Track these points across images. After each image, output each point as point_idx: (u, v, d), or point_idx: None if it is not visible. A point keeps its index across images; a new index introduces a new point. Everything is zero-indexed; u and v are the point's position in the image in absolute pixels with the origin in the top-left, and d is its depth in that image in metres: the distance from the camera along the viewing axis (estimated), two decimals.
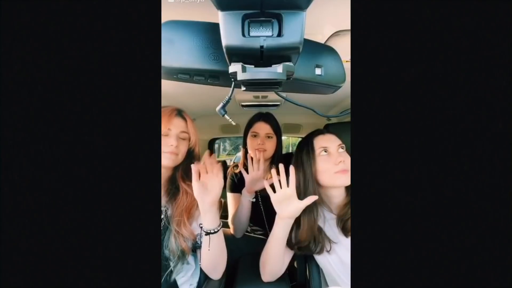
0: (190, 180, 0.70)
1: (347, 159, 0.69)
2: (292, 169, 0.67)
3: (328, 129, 0.79)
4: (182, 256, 0.70)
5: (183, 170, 0.75)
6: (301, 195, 0.70)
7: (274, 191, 0.68)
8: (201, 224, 0.67)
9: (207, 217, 0.65)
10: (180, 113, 0.74)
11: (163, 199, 0.75)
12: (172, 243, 0.69)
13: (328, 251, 0.73)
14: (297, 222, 0.72)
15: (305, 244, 0.73)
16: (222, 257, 0.71)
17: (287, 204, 0.66)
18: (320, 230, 0.73)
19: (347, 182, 0.68)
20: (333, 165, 0.68)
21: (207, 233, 0.65)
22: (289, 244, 0.74)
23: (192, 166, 0.64)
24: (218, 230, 0.66)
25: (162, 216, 0.72)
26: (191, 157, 0.76)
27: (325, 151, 0.71)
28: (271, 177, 0.69)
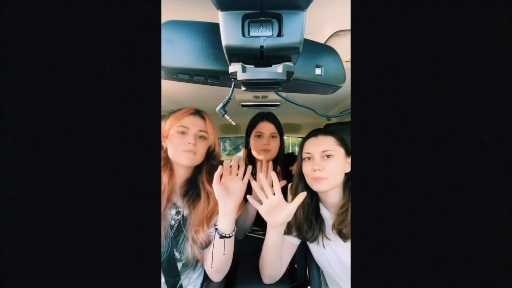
0: None
1: (329, 166, 0.69)
2: (274, 175, 0.67)
3: (325, 129, 0.79)
4: (195, 264, 0.70)
5: (207, 173, 0.74)
6: (296, 192, 0.75)
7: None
8: (217, 225, 0.66)
9: (225, 220, 0.64)
10: (198, 112, 0.73)
11: (180, 201, 0.73)
12: (188, 252, 0.68)
13: (323, 246, 0.75)
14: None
15: (302, 228, 0.76)
16: (229, 261, 0.70)
17: (277, 213, 0.66)
18: (317, 216, 0.76)
19: (322, 189, 0.71)
20: (311, 170, 0.71)
21: (222, 237, 0.64)
22: (288, 229, 0.76)
23: (219, 168, 0.63)
24: (232, 236, 0.66)
25: (178, 217, 0.71)
26: (212, 157, 0.75)
27: (308, 158, 0.73)
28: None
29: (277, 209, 0.66)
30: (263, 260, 0.74)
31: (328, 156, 0.71)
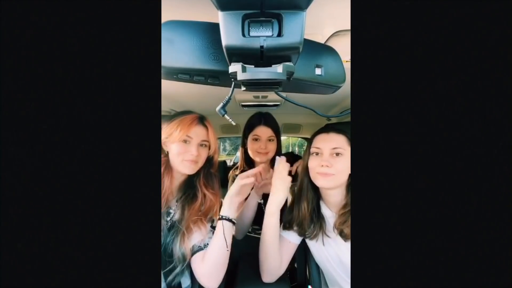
0: (212, 187, 0.77)
1: (337, 164, 0.70)
2: (282, 159, 0.76)
3: (337, 127, 0.79)
4: (182, 260, 0.69)
5: (204, 178, 0.76)
6: (302, 187, 0.78)
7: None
8: (221, 214, 0.70)
9: (232, 207, 0.71)
10: (201, 120, 0.74)
11: (174, 203, 0.74)
12: (176, 245, 0.68)
13: (323, 243, 0.75)
14: (296, 202, 0.79)
15: (303, 223, 0.77)
16: (225, 263, 0.68)
17: (281, 181, 0.73)
18: (318, 213, 0.78)
19: (327, 185, 0.72)
20: (318, 165, 0.71)
21: (230, 220, 0.69)
22: (289, 223, 0.78)
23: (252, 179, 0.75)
24: (235, 223, 0.70)
25: (168, 219, 0.72)
26: (210, 164, 0.77)
27: (317, 153, 0.74)
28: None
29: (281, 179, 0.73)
30: (261, 252, 0.75)
31: (337, 154, 0.71)
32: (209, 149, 0.75)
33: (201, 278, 0.69)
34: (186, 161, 0.70)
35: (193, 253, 0.69)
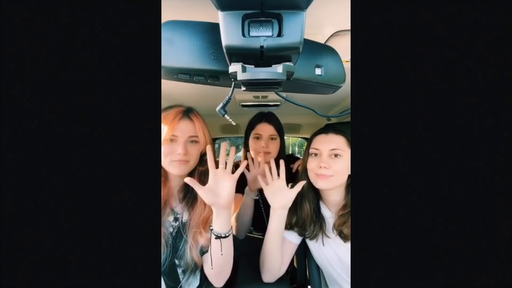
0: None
1: (335, 165, 0.70)
2: (282, 163, 0.74)
3: (336, 128, 0.78)
4: (195, 268, 0.69)
5: (198, 177, 0.69)
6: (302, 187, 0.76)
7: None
8: (212, 226, 0.63)
9: (218, 220, 0.61)
10: (187, 114, 0.67)
11: (179, 206, 0.71)
12: (187, 255, 0.67)
13: (322, 243, 0.75)
14: (298, 204, 0.78)
15: (304, 223, 0.77)
16: (229, 264, 0.67)
17: (279, 195, 0.72)
18: (318, 214, 0.78)
19: (325, 186, 0.71)
20: (317, 167, 0.71)
21: (218, 237, 0.62)
22: (290, 223, 0.78)
23: (191, 178, 0.59)
24: (228, 235, 0.63)
25: (177, 224, 0.69)
26: (202, 163, 0.69)
27: (315, 154, 0.74)
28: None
29: (280, 191, 0.72)
30: (265, 251, 0.75)
31: (336, 155, 0.71)
32: (200, 144, 0.67)
33: (208, 277, 0.70)
34: (175, 161, 0.64)
35: (202, 254, 0.68)
